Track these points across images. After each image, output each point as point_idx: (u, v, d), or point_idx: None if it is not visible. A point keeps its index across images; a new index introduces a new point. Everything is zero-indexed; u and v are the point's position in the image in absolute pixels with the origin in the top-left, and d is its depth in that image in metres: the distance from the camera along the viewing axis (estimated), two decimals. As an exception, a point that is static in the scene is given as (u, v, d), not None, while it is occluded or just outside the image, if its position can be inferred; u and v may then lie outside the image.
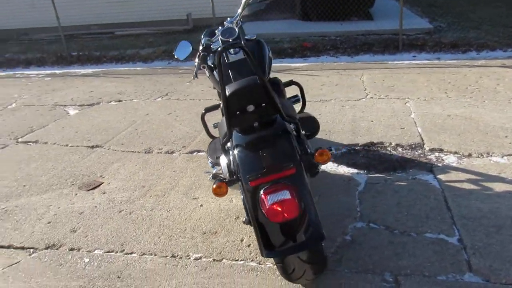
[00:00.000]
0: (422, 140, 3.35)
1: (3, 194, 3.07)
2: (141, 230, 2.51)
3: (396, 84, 4.85)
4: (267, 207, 1.49)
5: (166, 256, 2.26)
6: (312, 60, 6.54)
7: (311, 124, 3.00)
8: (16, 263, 2.31)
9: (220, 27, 2.74)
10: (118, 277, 2.13)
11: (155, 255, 2.28)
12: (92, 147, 3.76)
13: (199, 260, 2.21)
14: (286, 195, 1.52)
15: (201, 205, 2.71)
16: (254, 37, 2.70)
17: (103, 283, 2.10)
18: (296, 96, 3.06)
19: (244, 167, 1.62)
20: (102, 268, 2.21)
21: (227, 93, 1.62)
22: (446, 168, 2.92)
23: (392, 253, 2.15)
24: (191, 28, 8.68)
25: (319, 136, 3.57)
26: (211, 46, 2.63)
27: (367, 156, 3.21)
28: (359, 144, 3.40)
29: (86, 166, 3.40)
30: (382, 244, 2.22)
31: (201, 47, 2.64)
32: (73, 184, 3.13)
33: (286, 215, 1.51)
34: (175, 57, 2.59)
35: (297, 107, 3.14)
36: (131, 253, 2.31)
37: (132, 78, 6.12)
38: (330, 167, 3.08)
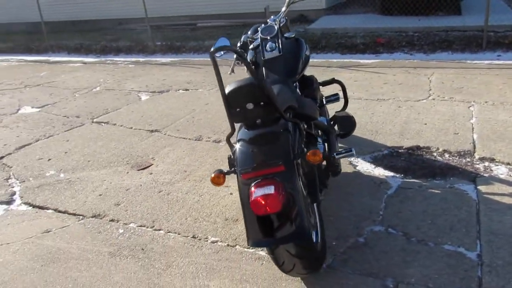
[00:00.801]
0: (474, 148, 3.14)
1: (71, 166, 3.53)
2: (173, 210, 2.74)
3: (466, 85, 4.53)
4: (252, 199, 1.58)
5: (187, 236, 2.46)
6: (384, 56, 6.33)
7: (346, 124, 2.99)
8: (66, 226, 2.68)
9: (263, 25, 2.85)
10: (142, 249, 2.38)
11: (178, 234, 2.50)
12: (152, 131, 4.12)
13: (215, 244, 2.37)
14: (270, 190, 1.60)
15: (231, 194, 2.87)
16: (293, 35, 2.76)
17: (128, 252, 2.36)
18: (336, 94, 3.06)
19: (240, 161, 1.73)
20: (131, 239, 2.48)
21: (226, 92, 1.74)
22: (491, 180, 2.72)
23: (402, 260, 2.11)
24: (268, 21, 8.82)
25: (363, 136, 3.53)
26: (252, 43, 2.75)
27: (409, 160, 3.10)
28: (403, 147, 3.29)
29: (142, 148, 3.75)
30: (394, 250, 2.19)
31: (239, 44, 2.78)
32: (127, 163, 3.49)
33: (268, 209, 1.59)
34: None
35: (335, 106, 3.13)
36: (159, 230, 2.55)
37: (203, 69, 6.47)
38: (366, 168, 3.05)
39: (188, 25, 9.63)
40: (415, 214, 2.46)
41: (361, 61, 6.24)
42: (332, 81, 3.20)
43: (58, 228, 2.67)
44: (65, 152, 3.81)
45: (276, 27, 2.79)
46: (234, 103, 1.75)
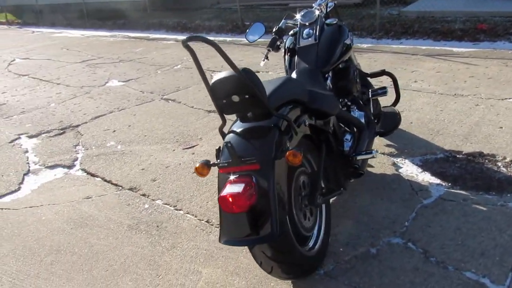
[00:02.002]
0: (552, 162, 2.64)
1: (129, 139, 3.80)
2: (199, 192, 2.80)
3: None
4: (220, 195, 1.54)
5: (202, 220, 2.50)
6: (484, 45, 5.58)
7: (389, 121, 2.73)
8: (103, 195, 2.91)
9: (306, 10, 2.69)
10: (157, 226, 2.49)
11: (195, 216, 2.55)
12: (209, 111, 4.22)
13: (224, 231, 2.37)
14: (239, 188, 1.53)
15: (258, 182, 2.82)
16: (335, 22, 2.57)
17: (144, 227, 2.49)
18: (384, 88, 2.79)
19: (222, 154, 1.69)
20: (152, 216, 2.60)
21: (211, 82, 1.69)
22: (558, 204, 2.27)
23: (409, 280, 1.89)
24: (361, 2, 8.33)
25: (420, 134, 3.20)
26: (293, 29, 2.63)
27: (464, 168, 2.73)
28: (463, 152, 2.89)
29: (195, 128, 3.87)
30: (405, 268, 1.96)
31: (274, 29, 2.67)
32: (176, 141, 3.64)
33: (234, 207, 1.53)
34: (246, 38, 2.69)
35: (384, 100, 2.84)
36: (179, 210, 2.64)
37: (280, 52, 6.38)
38: (410, 171, 2.76)
39: (280, 5, 9.54)
40: (445, 231, 2.17)
41: (455, 49, 5.58)
42: (382, 73, 2.92)
43: (97, 195, 2.92)
44: (129, 126, 4.11)
45: (316, 13, 2.62)
46: (220, 94, 1.69)
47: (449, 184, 2.58)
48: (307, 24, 2.61)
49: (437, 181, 2.63)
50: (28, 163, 3.53)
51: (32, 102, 5.16)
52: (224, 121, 1.80)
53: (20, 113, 4.80)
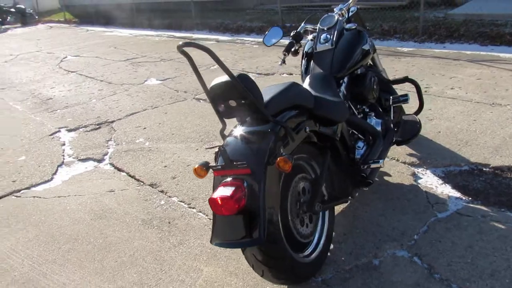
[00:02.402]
0: None
1: (157, 137, 3.94)
2: (214, 192, 2.86)
3: None
4: (211, 197, 1.57)
5: (211, 219, 2.55)
6: (535, 51, 5.25)
7: (407, 130, 2.66)
8: (125, 189, 3.05)
9: (326, 15, 2.67)
10: (169, 222, 2.57)
11: (206, 215, 2.61)
12: (237, 112, 4.27)
13: (232, 232, 2.41)
14: (228, 192, 1.56)
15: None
16: (354, 27, 2.53)
17: (157, 223, 2.58)
18: (405, 95, 2.71)
19: (218, 157, 1.72)
20: (166, 212, 2.69)
21: (209, 87, 1.72)
22: None
23: (407, 296, 1.83)
24: (406, 4, 8.07)
25: (447, 145, 3.08)
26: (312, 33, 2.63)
27: (489, 182, 2.59)
28: (490, 166, 2.75)
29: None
30: (406, 282, 1.90)
31: (292, 33, 2.68)
32: (201, 141, 3.73)
33: (223, 210, 1.56)
34: (263, 42, 2.70)
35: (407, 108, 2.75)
36: (193, 208, 2.71)
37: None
38: (429, 182, 2.66)
39: (322, 7, 9.44)
40: (455, 247, 2.08)
41: (502, 55, 5.30)
42: (404, 79, 2.84)
43: (120, 189, 3.05)
44: (159, 123, 4.26)
45: (336, 18, 2.59)
46: (217, 99, 1.73)
47: (470, 198, 2.46)
48: (325, 29, 2.59)
49: (457, 194, 2.52)
50: (63, 155, 3.76)
51: (75, 98, 5.46)
52: (224, 124, 1.83)
53: (63, 108, 5.10)
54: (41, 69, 7.52)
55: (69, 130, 4.33)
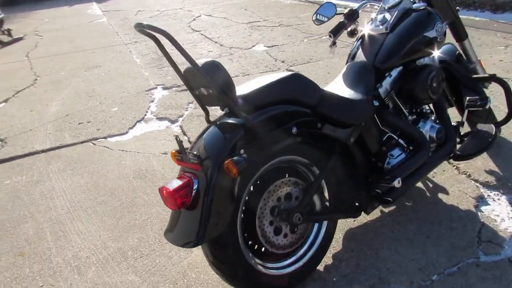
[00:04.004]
0: None
1: (231, 106, 3.94)
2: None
3: None
4: (161, 186, 1.50)
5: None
6: None
7: (475, 142, 2.14)
8: (176, 154, 3.15)
9: None
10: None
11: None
12: (319, 90, 3.99)
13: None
14: (172, 185, 1.46)
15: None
16: (422, 7, 2.06)
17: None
18: (484, 99, 2.16)
19: (190, 146, 1.62)
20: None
21: (183, 71, 1.59)
22: None
23: None
24: None
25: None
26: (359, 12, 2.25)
27: None
28: None
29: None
30: (388, 329, 1.58)
31: (345, 11, 2.31)
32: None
33: (167, 204, 1.47)
34: (313, 20, 2.38)
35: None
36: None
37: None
38: (495, 212, 2.13)
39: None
40: (477, 304, 1.63)
41: None
42: (490, 78, 2.24)
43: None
44: (241, 92, 4.25)
45: (403, -6, 2.14)
46: (191, 84, 1.60)
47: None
48: (385, 8, 2.17)
49: (525, 233, 1.95)
50: (146, 111, 4.06)
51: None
52: (205, 112, 1.70)
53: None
54: (173, 26, 8.13)
55: (164, 88, 4.63)
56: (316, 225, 1.85)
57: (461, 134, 2.31)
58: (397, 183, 1.78)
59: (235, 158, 1.42)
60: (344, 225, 2.16)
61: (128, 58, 6.11)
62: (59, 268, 2.10)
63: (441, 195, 2.29)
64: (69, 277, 2.03)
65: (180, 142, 1.55)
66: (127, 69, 5.57)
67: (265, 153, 1.58)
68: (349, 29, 2.32)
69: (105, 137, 3.58)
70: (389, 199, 1.86)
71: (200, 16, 8.96)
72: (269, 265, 1.72)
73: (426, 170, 2.02)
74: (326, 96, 1.75)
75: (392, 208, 2.25)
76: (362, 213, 1.95)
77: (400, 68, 2.06)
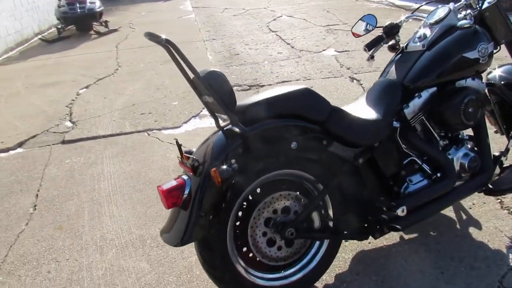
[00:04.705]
0: None
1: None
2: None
3: None
4: (159, 185, 1.58)
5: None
6: None
7: (509, 178, 1.93)
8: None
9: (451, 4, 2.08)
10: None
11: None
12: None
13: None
14: (168, 185, 1.53)
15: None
16: (467, 25, 1.91)
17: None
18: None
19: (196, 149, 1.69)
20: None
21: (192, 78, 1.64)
22: None
23: None
24: None
25: None
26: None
27: None
28: None
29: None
30: None
31: (386, 24, 2.20)
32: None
33: (161, 201, 1.55)
34: (352, 32, 2.29)
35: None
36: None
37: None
38: (528, 257, 1.90)
39: None
40: None
41: None
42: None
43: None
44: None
45: (446, 11, 1.99)
46: (199, 91, 1.66)
47: None
48: (428, 23, 2.03)
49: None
50: (203, 108, 4.17)
51: (254, 57, 5.90)
52: (214, 118, 1.75)
53: (239, 65, 5.61)
54: (252, 25, 8.31)
55: (226, 86, 4.78)
56: (318, 242, 1.81)
57: (504, 165, 2.09)
58: (400, 212, 1.68)
59: (222, 167, 1.46)
60: (356, 245, 2.08)
61: (202, 54, 6.39)
62: (86, 245, 2.31)
63: (472, 229, 2.10)
64: (91, 255, 2.23)
65: (179, 146, 1.63)
66: (198, 65, 5.65)
67: (260, 165, 1.59)
68: (390, 43, 2.22)
69: (159, 129, 3.81)
70: (398, 226, 1.76)
71: (281, 16, 9.04)
72: (259, 274, 1.73)
73: (446, 202, 1.87)
74: (337, 113, 1.70)
75: (413, 235, 2.12)
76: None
77: (434, 89, 1.93)
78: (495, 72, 2.26)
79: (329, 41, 6.34)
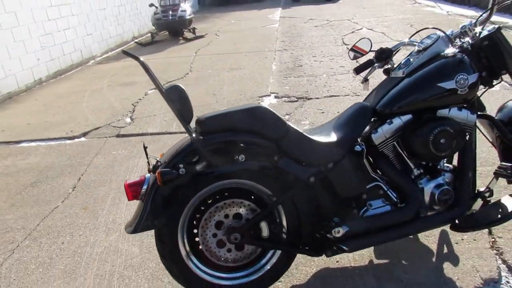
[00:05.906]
0: None
1: (320, 123, 4.02)
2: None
3: None
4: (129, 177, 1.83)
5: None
6: None
7: (483, 215, 1.87)
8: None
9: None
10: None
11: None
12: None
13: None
14: (130, 181, 1.77)
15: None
16: (451, 54, 1.88)
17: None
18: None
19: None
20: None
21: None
22: None
23: None
24: None
25: None
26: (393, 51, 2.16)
27: None
28: None
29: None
30: None
31: (378, 49, 2.22)
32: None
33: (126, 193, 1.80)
34: (348, 54, 2.32)
35: None
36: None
37: None
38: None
39: None
40: None
41: None
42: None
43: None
44: (338, 112, 4.26)
45: (435, 37, 1.97)
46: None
47: None
48: (416, 49, 2.02)
49: None
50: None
51: (316, 70, 5.97)
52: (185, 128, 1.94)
53: (297, 76, 5.73)
54: (328, 37, 8.35)
55: (276, 97, 4.96)
56: (270, 252, 1.92)
57: (489, 202, 1.97)
58: (336, 233, 1.72)
59: (165, 169, 1.67)
60: (324, 261, 2.13)
61: (268, 64, 6.63)
62: (99, 226, 2.68)
63: (447, 264, 2.01)
64: (99, 234, 2.59)
65: (145, 149, 1.87)
66: (260, 74, 6.09)
67: (210, 172, 1.76)
68: (385, 67, 2.23)
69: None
70: (344, 247, 1.79)
71: (361, 29, 8.93)
72: (211, 272, 1.89)
73: (406, 230, 1.84)
74: (291, 133, 1.80)
75: (384, 260, 2.10)
76: (351, 255, 1.93)
77: (409, 116, 1.91)
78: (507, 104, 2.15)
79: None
